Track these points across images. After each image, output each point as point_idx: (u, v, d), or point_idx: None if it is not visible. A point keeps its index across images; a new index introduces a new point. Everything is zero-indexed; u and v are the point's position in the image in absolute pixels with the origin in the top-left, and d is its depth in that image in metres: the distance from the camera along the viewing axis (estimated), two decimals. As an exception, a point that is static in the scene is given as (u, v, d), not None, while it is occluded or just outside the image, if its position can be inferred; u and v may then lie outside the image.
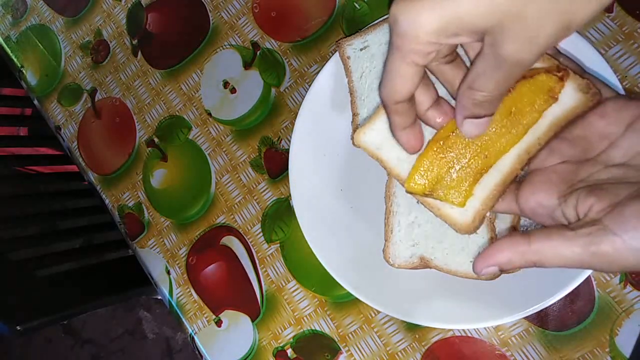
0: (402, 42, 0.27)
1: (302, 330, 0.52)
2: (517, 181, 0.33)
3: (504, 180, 0.33)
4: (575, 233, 0.27)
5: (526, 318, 0.44)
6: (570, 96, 0.31)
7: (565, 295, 0.39)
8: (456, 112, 0.31)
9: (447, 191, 0.33)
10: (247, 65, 0.59)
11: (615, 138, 0.30)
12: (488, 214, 0.34)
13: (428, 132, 0.35)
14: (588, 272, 0.38)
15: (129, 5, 0.66)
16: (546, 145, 0.32)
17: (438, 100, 0.33)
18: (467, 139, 0.32)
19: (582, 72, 0.33)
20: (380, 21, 0.47)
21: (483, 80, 0.28)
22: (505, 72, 0.27)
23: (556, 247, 0.27)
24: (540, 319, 0.44)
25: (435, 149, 0.33)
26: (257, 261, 0.55)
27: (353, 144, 0.47)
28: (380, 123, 0.38)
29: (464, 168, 0.33)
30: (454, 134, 0.33)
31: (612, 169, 0.29)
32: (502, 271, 0.31)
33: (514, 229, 0.41)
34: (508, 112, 0.31)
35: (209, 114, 0.60)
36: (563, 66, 0.31)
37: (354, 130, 0.47)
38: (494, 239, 0.40)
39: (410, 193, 0.35)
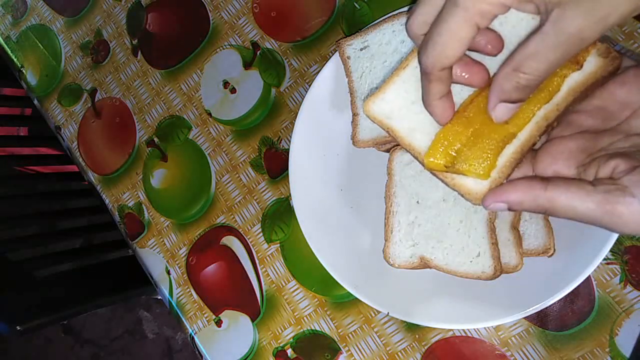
0: (471, 1, 0.26)
1: (302, 330, 0.52)
2: (533, 150, 0.32)
3: (522, 149, 0.31)
4: (595, 189, 0.26)
5: (526, 318, 0.44)
6: (589, 61, 0.30)
7: (565, 295, 0.39)
8: (491, 94, 0.30)
9: (470, 163, 0.31)
10: (247, 65, 0.59)
11: (637, 106, 0.30)
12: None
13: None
14: (589, 272, 0.38)
15: (129, 5, 0.66)
16: (565, 112, 0.31)
17: (464, 57, 0.32)
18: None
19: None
20: (380, 21, 0.47)
21: (534, 61, 0.27)
22: (563, 51, 0.26)
23: (571, 199, 0.27)
24: (540, 319, 0.44)
25: (457, 121, 0.32)
26: (257, 261, 0.55)
27: (353, 144, 0.47)
28: (392, 93, 0.36)
29: (487, 139, 0.31)
30: (473, 104, 0.31)
31: (634, 138, 0.29)
32: (510, 209, 0.30)
33: (514, 229, 0.41)
34: None
35: (209, 114, 0.60)
36: None
37: (354, 130, 0.47)
38: (494, 239, 0.40)
39: (430, 169, 0.33)
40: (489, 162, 0.31)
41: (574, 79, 0.31)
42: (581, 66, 0.30)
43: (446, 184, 0.34)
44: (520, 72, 0.28)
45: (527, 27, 0.29)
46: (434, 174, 0.34)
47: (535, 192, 0.28)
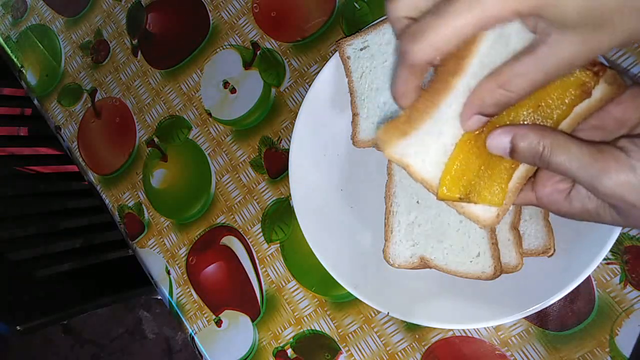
0: (492, 2, 0.25)
1: (302, 330, 0.52)
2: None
3: (527, 174, 0.32)
4: (593, 143, 0.27)
5: (526, 318, 0.44)
6: (596, 88, 0.30)
7: (566, 295, 0.39)
8: (468, 105, 0.30)
9: (483, 192, 0.32)
10: (247, 65, 0.59)
11: (633, 124, 0.30)
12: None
13: (451, 135, 0.32)
14: (589, 272, 0.38)
15: (129, 5, 0.66)
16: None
17: None
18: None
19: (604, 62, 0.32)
20: (380, 21, 0.47)
21: (520, 80, 0.27)
22: (552, 74, 0.27)
23: (570, 142, 0.28)
24: (540, 319, 0.44)
25: (465, 150, 0.32)
26: (257, 261, 0.55)
27: (353, 144, 0.47)
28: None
29: (497, 169, 0.32)
30: (482, 135, 0.31)
31: None
32: (512, 150, 0.30)
33: (514, 229, 0.41)
34: (536, 106, 0.30)
35: (209, 114, 0.60)
36: (599, 61, 0.30)
37: (354, 130, 0.47)
38: (494, 239, 0.40)
39: (443, 200, 0.33)
40: (501, 190, 0.32)
41: (580, 106, 0.31)
42: (590, 95, 0.30)
43: (456, 210, 0.34)
44: (504, 89, 0.28)
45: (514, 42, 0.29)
46: (448, 205, 0.34)
47: (545, 129, 0.29)
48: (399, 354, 0.48)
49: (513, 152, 0.29)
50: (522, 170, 0.32)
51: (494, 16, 0.26)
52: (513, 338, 0.45)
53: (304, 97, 0.50)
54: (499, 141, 0.30)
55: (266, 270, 0.55)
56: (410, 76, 0.29)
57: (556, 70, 0.27)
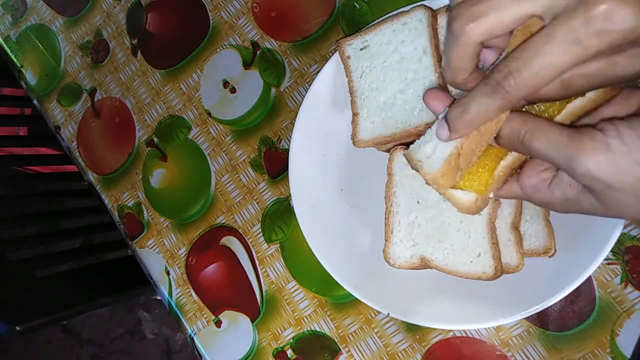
0: None
1: (302, 330, 0.52)
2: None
3: (513, 164, 0.33)
4: (575, 129, 0.28)
5: (527, 318, 0.44)
6: None
7: (566, 296, 0.39)
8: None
9: (469, 181, 0.33)
10: (247, 65, 0.59)
11: None
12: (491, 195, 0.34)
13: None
14: (590, 273, 0.38)
15: (129, 5, 0.66)
16: None
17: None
18: (485, 130, 0.31)
19: None
20: (380, 21, 0.47)
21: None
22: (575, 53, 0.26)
23: (550, 125, 0.28)
24: (540, 320, 0.44)
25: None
26: (257, 261, 0.55)
27: (353, 144, 0.47)
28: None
29: (484, 157, 0.32)
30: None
31: None
32: (497, 134, 0.30)
33: (515, 229, 0.41)
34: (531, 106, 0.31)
35: (209, 114, 0.60)
36: None
37: (354, 130, 0.47)
38: (494, 239, 0.40)
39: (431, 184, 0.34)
40: (486, 179, 0.32)
41: (574, 104, 0.31)
42: (584, 94, 0.31)
43: (439, 192, 0.34)
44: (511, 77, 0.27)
45: None
46: (428, 184, 0.34)
47: (526, 116, 0.29)
48: (399, 354, 0.48)
49: (498, 137, 0.30)
50: (509, 160, 0.33)
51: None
52: (514, 338, 0.44)
53: (304, 97, 0.50)
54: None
55: (266, 271, 0.54)
56: (465, 52, 0.29)
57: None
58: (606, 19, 0.24)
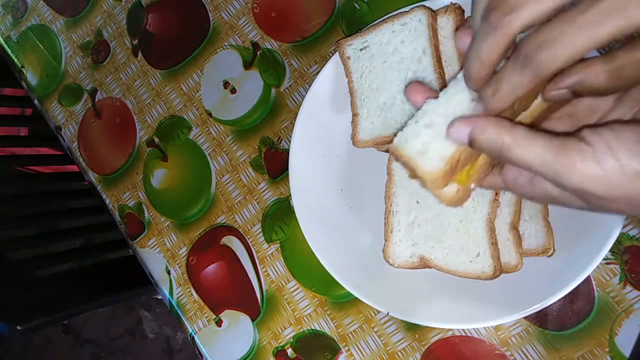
0: None
1: (302, 330, 0.52)
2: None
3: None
4: (556, 136, 0.27)
5: (526, 318, 0.44)
6: None
7: (565, 295, 0.39)
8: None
9: None
10: (247, 65, 0.59)
11: (604, 112, 0.30)
12: (472, 186, 0.33)
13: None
14: (588, 272, 0.38)
15: (129, 6, 0.67)
16: (535, 123, 0.32)
17: None
18: None
19: None
20: (380, 22, 0.47)
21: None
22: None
23: (532, 137, 0.27)
24: (540, 319, 0.44)
25: None
26: (257, 261, 0.55)
27: (353, 144, 0.47)
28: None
29: (465, 150, 0.31)
30: None
31: None
32: (471, 142, 0.29)
33: (514, 229, 0.41)
34: None
35: (209, 114, 0.60)
36: None
37: (354, 130, 0.47)
38: (493, 239, 0.40)
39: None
40: (467, 169, 0.32)
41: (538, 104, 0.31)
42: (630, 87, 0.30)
43: (424, 187, 0.32)
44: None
45: None
46: (412, 178, 0.33)
47: (503, 125, 0.28)
48: (399, 353, 0.48)
49: (472, 143, 0.29)
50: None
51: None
52: (513, 338, 0.45)
53: (304, 97, 0.50)
54: (459, 132, 0.29)
55: (266, 270, 0.55)
56: (501, 44, 0.28)
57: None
58: None
